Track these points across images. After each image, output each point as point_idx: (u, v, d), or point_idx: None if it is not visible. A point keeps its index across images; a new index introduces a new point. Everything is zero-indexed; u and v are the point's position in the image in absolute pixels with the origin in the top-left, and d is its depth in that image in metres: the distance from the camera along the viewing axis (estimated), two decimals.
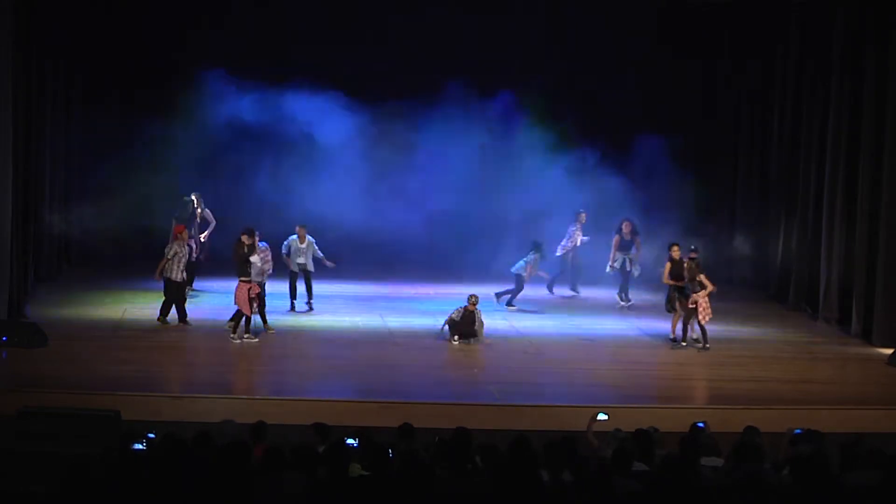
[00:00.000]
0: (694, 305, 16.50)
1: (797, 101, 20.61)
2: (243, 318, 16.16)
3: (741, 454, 9.16)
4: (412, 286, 21.13)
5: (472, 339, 16.68)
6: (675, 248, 16.95)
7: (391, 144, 22.09)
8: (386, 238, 21.76)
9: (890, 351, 16.62)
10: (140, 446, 8.94)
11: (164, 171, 21.95)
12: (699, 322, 16.59)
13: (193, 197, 19.32)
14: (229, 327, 16.40)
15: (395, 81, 22.18)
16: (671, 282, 16.88)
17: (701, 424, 10.72)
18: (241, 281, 16.13)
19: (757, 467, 8.81)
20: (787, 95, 20.97)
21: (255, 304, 16.16)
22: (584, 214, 20.59)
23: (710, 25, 22.28)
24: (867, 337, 17.86)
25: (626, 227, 19.83)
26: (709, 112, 23.48)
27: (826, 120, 19.49)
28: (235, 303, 16.20)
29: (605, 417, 10.77)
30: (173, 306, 16.94)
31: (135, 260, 22.16)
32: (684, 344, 16.77)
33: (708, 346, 16.61)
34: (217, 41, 21.70)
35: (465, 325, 16.69)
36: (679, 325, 16.90)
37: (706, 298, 16.52)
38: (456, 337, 16.63)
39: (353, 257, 21.88)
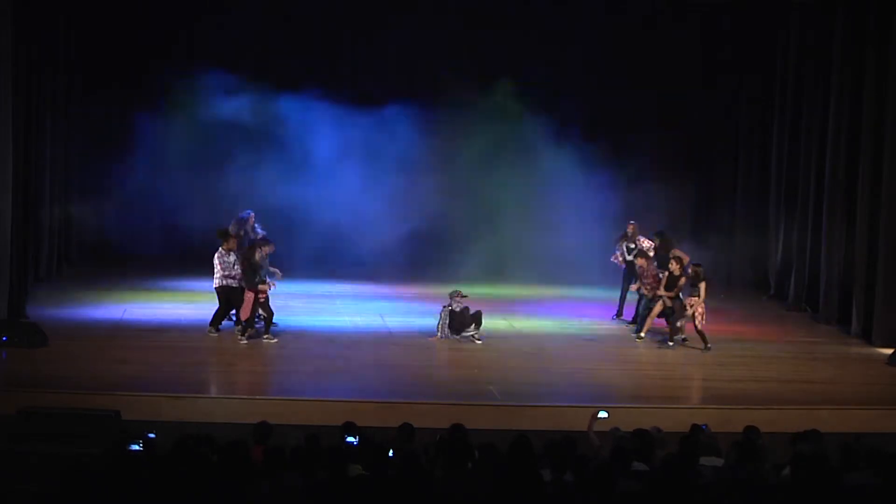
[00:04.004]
0: (690, 310, 16.54)
1: (797, 101, 20.64)
2: (253, 320, 16.28)
3: (741, 454, 9.16)
4: (412, 286, 21.16)
5: (469, 332, 16.70)
6: (675, 263, 16.91)
7: (391, 144, 22.09)
8: (386, 238, 21.77)
9: (890, 351, 16.62)
10: (137, 447, 8.91)
11: (164, 171, 21.97)
12: (696, 327, 16.61)
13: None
14: (237, 330, 16.45)
15: (392, 81, 22.23)
16: (665, 293, 16.88)
17: (704, 427, 10.71)
18: (249, 288, 16.19)
19: (757, 467, 8.81)
20: (788, 95, 21.00)
21: (258, 309, 16.21)
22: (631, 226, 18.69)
23: (710, 25, 22.30)
24: (867, 337, 17.86)
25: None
26: (709, 112, 23.50)
27: (826, 119, 19.51)
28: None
29: (606, 415, 10.77)
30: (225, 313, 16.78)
31: (135, 259, 22.22)
32: (671, 343, 16.79)
33: (710, 346, 16.61)
34: (216, 40, 21.75)
35: (460, 318, 16.74)
36: (661, 324, 16.99)
37: (703, 304, 16.57)
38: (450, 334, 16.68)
39: (352, 257, 21.91)
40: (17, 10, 16.53)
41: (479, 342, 16.70)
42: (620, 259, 18.51)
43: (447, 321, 16.76)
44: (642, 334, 17.19)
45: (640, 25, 22.03)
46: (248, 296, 16.10)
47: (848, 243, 18.90)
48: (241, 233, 17.77)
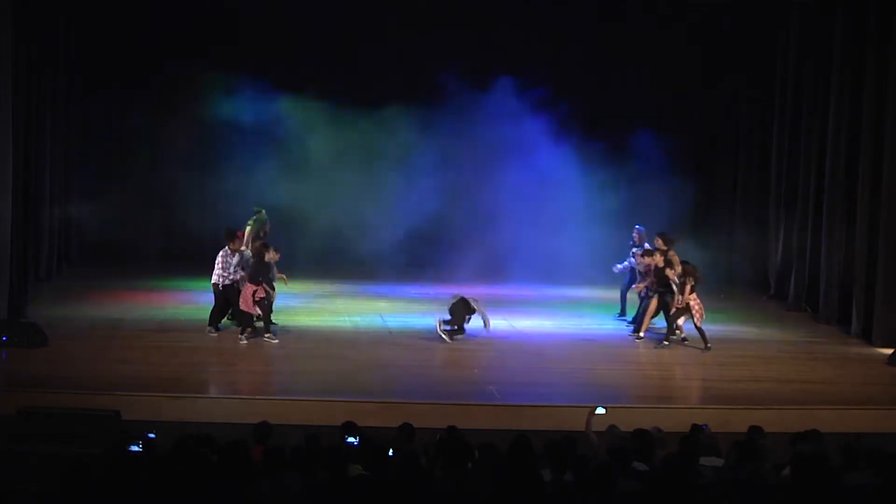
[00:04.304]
0: (684, 305, 16.54)
1: (797, 101, 20.64)
2: (252, 319, 16.29)
3: (741, 454, 9.15)
4: (412, 286, 21.16)
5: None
6: (658, 256, 16.96)
7: (391, 144, 22.11)
8: (386, 238, 21.77)
9: (890, 351, 16.62)
10: (137, 448, 8.91)
11: (164, 171, 21.97)
12: (695, 324, 16.61)
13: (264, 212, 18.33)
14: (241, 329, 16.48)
15: (392, 81, 22.24)
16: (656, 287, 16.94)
17: (704, 427, 10.71)
18: (249, 282, 16.22)
19: (757, 467, 8.81)
20: (787, 95, 21.00)
21: (257, 306, 16.22)
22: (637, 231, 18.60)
23: (710, 25, 22.30)
24: (867, 337, 17.86)
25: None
26: (709, 111, 23.50)
27: (826, 119, 19.52)
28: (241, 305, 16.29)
29: (603, 411, 10.80)
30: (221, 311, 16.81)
31: (135, 259, 22.24)
32: (666, 343, 16.77)
33: (710, 346, 16.61)
34: (216, 40, 21.75)
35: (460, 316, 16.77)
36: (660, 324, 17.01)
37: (697, 300, 16.57)
38: (449, 334, 16.69)
39: (352, 257, 21.91)
40: (17, 10, 16.53)
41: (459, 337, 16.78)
42: (619, 268, 18.56)
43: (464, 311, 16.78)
44: (641, 334, 17.20)
45: (639, 25, 22.02)
46: (247, 289, 16.10)
47: (848, 243, 18.90)
48: (262, 234, 17.72)
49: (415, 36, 22.06)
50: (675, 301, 16.63)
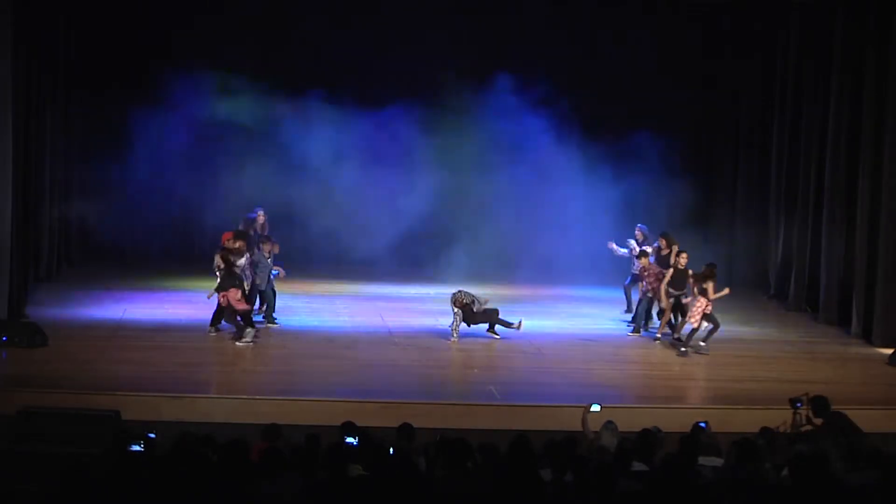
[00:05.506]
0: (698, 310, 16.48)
1: (797, 101, 20.65)
2: (253, 319, 16.26)
3: (741, 454, 9.15)
4: (412, 286, 21.16)
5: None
6: (684, 256, 16.87)
7: (391, 144, 22.10)
8: (386, 238, 21.76)
9: (890, 351, 16.62)
10: (138, 448, 8.91)
11: (164, 171, 21.97)
12: (674, 322, 16.58)
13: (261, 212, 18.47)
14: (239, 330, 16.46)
15: (391, 81, 22.23)
16: (671, 290, 16.83)
17: (703, 424, 10.70)
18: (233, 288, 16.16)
19: (757, 467, 8.81)
20: (787, 95, 21.01)
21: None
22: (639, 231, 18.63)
23: (710, 25, 22.30)
24: (867, 337, 17.87)
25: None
26: (709, 112, 23.50)
27: (826, 120, 19.53)
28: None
29: (598, 409, 10.82)
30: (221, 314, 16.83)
31: (135, 259, 22.23)
32: (683, 350, 16.59)
33: (678, 337, 16.62)
34: (216, 40, 21.75)
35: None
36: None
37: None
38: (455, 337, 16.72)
39: (352, 257, 21.91)
40: (17, 10, 16.52)
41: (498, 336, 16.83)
42: (619, 250, 18.47)
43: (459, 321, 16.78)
44: (658, 335, 17.10)
45: (639, 24, 22.02)
46: (232, 294, 15.99)
47: (848, 243, 18.91)
48: (251, 233, 17.75)
49: (415, 35, 22.02)
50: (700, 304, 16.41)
